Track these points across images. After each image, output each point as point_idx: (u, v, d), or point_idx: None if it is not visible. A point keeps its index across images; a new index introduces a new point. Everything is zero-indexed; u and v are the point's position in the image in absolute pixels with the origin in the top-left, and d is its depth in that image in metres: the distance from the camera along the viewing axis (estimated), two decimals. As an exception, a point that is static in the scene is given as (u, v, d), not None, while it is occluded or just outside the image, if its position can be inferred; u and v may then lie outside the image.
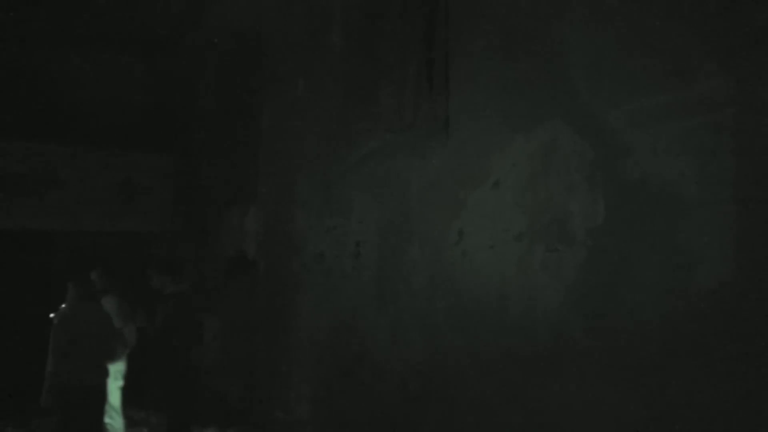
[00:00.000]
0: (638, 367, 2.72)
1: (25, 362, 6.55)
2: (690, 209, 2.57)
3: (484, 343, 3.54)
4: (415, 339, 4.12)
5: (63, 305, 5.63)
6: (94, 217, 8.43)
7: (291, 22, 6.10)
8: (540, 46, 3.31)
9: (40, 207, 8.09)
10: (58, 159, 8.23)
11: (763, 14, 2.38)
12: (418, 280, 4.12)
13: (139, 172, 8.73)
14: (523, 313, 3.31)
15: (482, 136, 3.67)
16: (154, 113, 9.44)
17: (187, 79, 8.85)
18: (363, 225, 4.75)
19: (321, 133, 5.42)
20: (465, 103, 3.82)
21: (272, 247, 6.28)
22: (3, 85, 8.50)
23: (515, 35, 3.48)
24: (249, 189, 6.85)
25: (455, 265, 3.81)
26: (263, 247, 6.47)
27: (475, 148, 3.72)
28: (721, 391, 2.42)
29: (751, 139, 2.39)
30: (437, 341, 3.92)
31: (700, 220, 2.53)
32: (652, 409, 2.66)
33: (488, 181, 3.59)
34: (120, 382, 6.47)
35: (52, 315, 5.62)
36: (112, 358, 5.84)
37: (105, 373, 5.67)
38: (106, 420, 6.27)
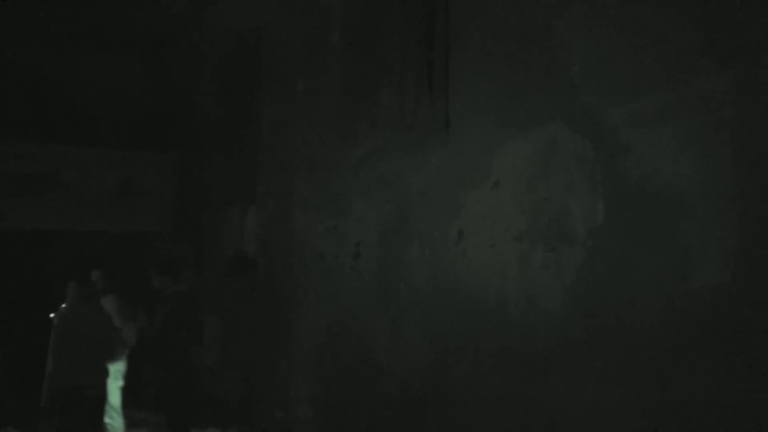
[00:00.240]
0: (638, 367, 2.72)
1: (25, 362, 6.55)
2: (690, 209, 2.57)
3: (484, 343, 3.54)
4: (415, 339, 4.11)
5: (63, 305, 5.63)
6: (94, 217, 8.43)
7: (291, 22, 6.10)
8: (540, 46, 3.31)
9: (40, 207, 8.09)
10: (58, 159, 8.23)
11: (763, 14, 2.38)
12: (418, 280, 4.12)
13: (139, 172, 8.74)
14: (523, 313, 3.31)
15: (482, 136, 3.67)
16: (154, 113, 9.44)
17: (187, 79, 8.85)
18: (363, 225, 4.75)
19: (321, 134, 5.42)
20: (465, 103, 3.82)
21: (272, 247, 6.28)
22: (3, 85, 8.50)
23: (515, 35, 3.48)
24: (249, 189, 6.85)
25: (455, 265, 3.80)
26: (263, 247, 6.47)
27: (475, 148, 3.72)
28: (721, 391, 2.42)
29: (751, 139, 2.39)
30: (437, 341, 3.92)
31: (700, 220, 2.53)
32: (652, 409, 2.66)
33: (488, 181, 3.59)
34: (120, 382, 6.47)
35: (52, 315, 5.62)
36: (112, 358, 5.84)
37: (105, 373, 5.68)
38: (106, 420, 6.27)
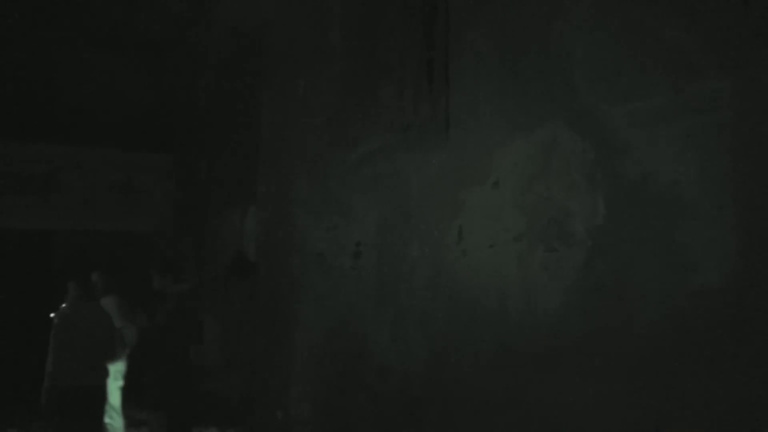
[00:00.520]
0: (638, 366, 2.72)
1: (25, 362, 6.56)
2: (690, 209, 2.57)
3: (484, 343, 3.54)
4: (415, 339, 4.11)
5: (63, 305, 5.63)
6: (94, 217, 8.44)
7: (291, 22, 6.10)
8: (540, 46, 3.31)
9: (40, 207, 8.10)
10: (58, 159, 8.24)
11: (763, 14, 2.38)
12: (418, 280, 4.12)
13: (139, 172, 8.75)
14: (523, 313, 3.31)
15: (482, 136, 3.67)
16: (155, 113, 9.44)
17: (187, 79, 8.86)
18: (363, 225, 4.75)
19: (321, 133, 5.41)
20: (465, 102, 3.82)
21: (272, 247, 6.28)
22: (3, 85, 8.50)
23: (515, 35, 3.48)
24: (249, 189, 6.86)
25: (455, 264, 3.80)
26: (263, 247, 6.47)
27: (475, 148, 3.72)
28: (721, 391, 2.42)
29: (751, 139, 2.39)
30: (437, 341, 3.92)
31: (700, 220, 2.53)
32: (651, 408, 2.66)
33: (488, 181, 3.59)
34: (120, 382, 6.48)
35: (52, 315, 5.62)
36: (112, 358, 5.85)
37: (105, 373, 5.68)
38: (106, 420, 6.28)
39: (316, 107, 5.51)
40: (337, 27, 5.29)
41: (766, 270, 2.31)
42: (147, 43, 9.04)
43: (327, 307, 5.18)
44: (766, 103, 2.34)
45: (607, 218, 2.91)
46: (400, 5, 4.63)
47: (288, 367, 5.71)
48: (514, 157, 3.43)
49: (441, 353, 3.88)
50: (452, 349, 3.79)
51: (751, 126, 2.39)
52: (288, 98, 6.04)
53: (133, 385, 6.66)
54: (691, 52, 2.60)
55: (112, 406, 6.40)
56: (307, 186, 5.61)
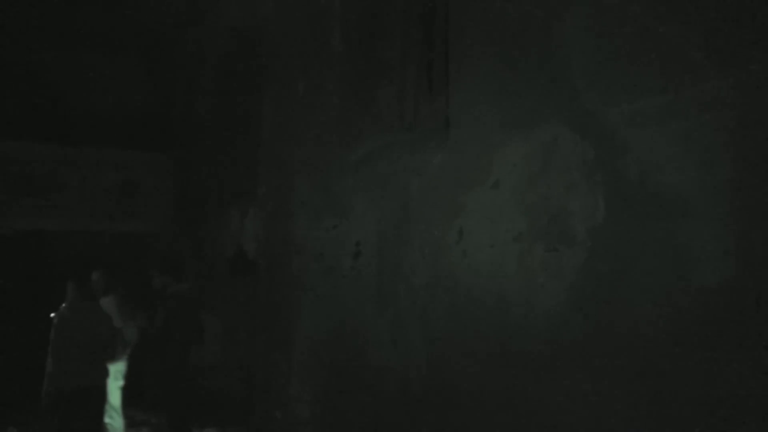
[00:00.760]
0: (638, 367, 2.72)
1: (25, 363, 6.56)
2: (690, 209, 2.57)
3: (485, 343, 3.54)
4: (415, 339, 4.12)
5: (63, 305, 5.63)
6: (94, 217, 8.44)
7: (291, 23, 6.10)
8: (540, 46, 3.31)
9: (40, 207, 8.10)
10: (58, 159, 8.24)
11: (763, 14, 2.38)
12: (418, 280, 4.12)
13: (139, 172, 8.75)
14: (523, 313, 3.31)
15: (482, 136, 3.67)
16: (154, 113, 9.45)
17: (187, 79, 8.86)
18: (363, 225, 4.75)
19: (321, 134, 5.42)
20: (465, 103, 3.82)
21: (272, 247, 6.28)
22: (3, 85, 8.51)
23: (515, 35, 3.48)
24: (249, 189, 6.86)
25: (455, 265, 3.81)
26: (263, 247, 6.47)
27: (475, 148, 3.72)
28: (721, 391, 2.42)
29: (751, 140, 2.39)
30: (437, 341, 3.92)
31: (700, 220, 2.53)
32: (652, 409, 2.66)
33: (488, 181, 3.59)
34: (120, 382, 6.48)
35: (52, 315, 5.62)
36: (112, 358, 5.84)
37: (105, 374, 5.67)
38: (107, 420, 6.28)
39: (316, 107, 5.51)
40: (338, 27, 5.29)
41: (766, 270, 2.31)
42: (147, 43, 9.04)
43: (327, 307, 5.18)
44: (766, 103, 2.35)
45: (607, 218, 2.91)
46: (400, 6, 4.63)
47: (288, 367, 5.71)
48: (514, 157, 3.43)
49: (441, 353, 3.88)
50: (452, 349, 3.79)
51: (751, 126, 2.39)
52: (288, 98, 6.04)
53: (134, 385, 6.67)
54: (691, 52, 2.60)
55: (113, 406, 6.40)
56: (307, 186, 5.61)
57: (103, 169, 8.49)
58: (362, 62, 4.98)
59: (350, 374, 4.81)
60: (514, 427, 3.32)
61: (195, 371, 5.92)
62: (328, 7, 5.44)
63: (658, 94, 2.72)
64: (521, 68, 3.42)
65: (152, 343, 6.10)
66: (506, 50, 3.53)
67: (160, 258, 7.85)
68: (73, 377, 5.39)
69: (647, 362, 2.69)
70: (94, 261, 7.00)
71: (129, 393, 6.62)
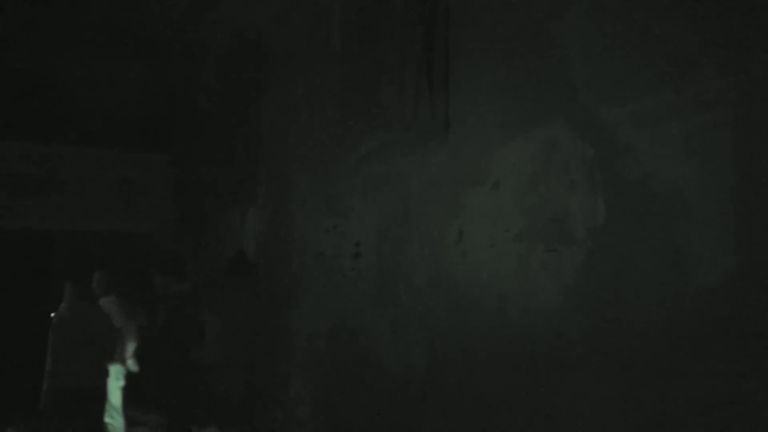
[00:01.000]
0: (638, 366, 2.72)
1: (25, 363, 6.56)
2: (690, 209, 2.57)
3: (485, 343, 3.54)
4: (415, 339, 4.12)
5: (61, 305, 5.62)
6: (94, 217, 8.44)
7: (291, 23, 6.10)
8: (539, 46, 3.31)
9: (40, 207, 8.10)
10: (58, 159, 8.23)
11: (763, 14, 2.38)
12: (418, 280, 4.12)
13: (139, 172, 8.74)
14: (523, 313, 3.31)
15: (482, 136, 3.67)
16: (154, 113, 9.45)
17: (187, 79, 8.86)
18: (363, 225, 4.76)
19: (321, 133, 5.42)
20: (465, 103, 3.82)
21: (272, 247, 6.28)
22: (3, 85, 8.51)
23: (515, 35, 3.48)
24: (249, 189, 6.86)
25: (455, 265, 3.81)
26: (263, 247, 6.47)
27: (475, 148, 3.72)
28: (721, 391, 2.42)
29: (751, 140, 2.39)
30: (437, 341, 3.92)
31: (700, 220, 2.53)
32: (652, 408, 2.66)
33: (488, 181, 3.59)
34: (121, 382, 6.48)
35: (52, 315, 5.62)
36: (112, 357, 5.84)
37: (105, 374, 5.67)
38: (107, 420, 6.28)
39: (316, 107, 5.51)
40: (338, 27, 5.29)
41: (766, 270, 2.31)
42: (147, 43, 9.04)
43: (327, 307, 5.18)
44: (766, 103, 2.35)
45: (607, 218, 2.91)
46: (400, 6, 4.63)
47: (288, 367, 5.71)
48: (514, 157, 3.43)
49: (441, 353, 3.88)
50: (452, 349, 3.79)
51: (751, 126, 2.39)
52: (288, 98, 6.04)
53: (134, 385, 6.67)
54: (691, 52, 2.60)
55: (113, 405, 6.40)
56: (307, 186, 5.61)
57: (103, 169, 8.49)
58: (362, 62, 4.98)
59: (350, 374, 4.81)
60: (514, 427, 3.32)
61: (195, 371, 5.92)
62: (328, 7, 5.44)
63: (658, 94, 2.72)
64: (521, 68, 3.42)
65: (153, 343, 6.09)
66: (506, 50, 3.53)
67: (161, 258, 7.85)
68: (73, 377, 5.39)
69: (647, 362, 2.69)
70: (94, 261, 7.01)
71: (129, 393, 6.62)
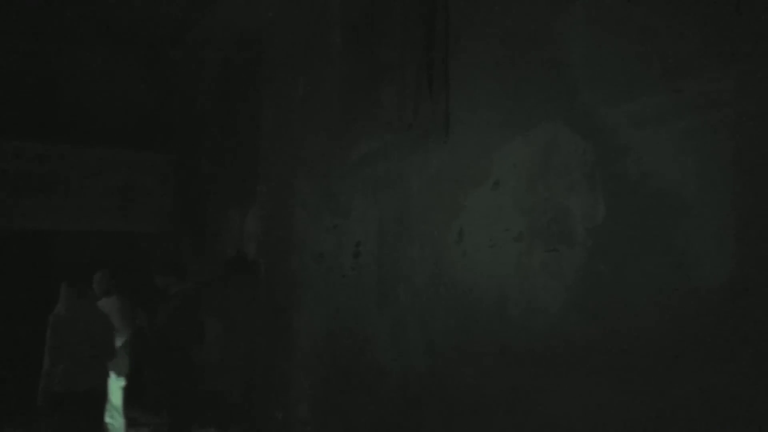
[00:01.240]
0: (638, 366, 2.72)
1: (24, 362, 6.55)
2: (690, 209, 2.57)
3: (484, 343, 3.54)
4: (415, 339, 4.12)
5: (58, 305, 5.62)
6: (94, 217, 8.43)
7: (291, 23, 6.10)
8: (540, 47, 3.31)
9: (40, 207, 8.10)
10: (58, 159, 8.23)
11: (763, 14, 2.38)
12: (418, 280, 4.12)
13: (139, 172, 8.74)
14: (523, 313, 3.31)
15: (482, 136, 3.67)
16: (154, 113, 9.45)
17: (187, 79, 8.86)
18: (363, 225, 4.76)
19: (321, 133, 5.42)
20: (465, 103, 3.82)
21: (272, 247, 6.28)
22: (3, 85, 8.51)
23: (515, 35, 3.48)
24: (249, 189, 6.86)
25: (455, 265, 3.81)
26: (263, 247, 6.47)
27: (475, 148, 3.72)
28: (721, 391, 2.42)
29: (751, 139, 2.39)
30: (437, 341, 3.92)
31: (700, 220, 2.53)
32: (651, 408, 2.66)
33: (488, 181, 3.59)
34: (121, 382, 6.48)
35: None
36: (111, 357, 5.84)
37: (105, 374, 5.67)
38: (108, 420, 6.27)
39: (316, 107, 5.51)
40: (338, 27, 5.29)
41: (766, 270, 2.31)
42: (147, 43, 9.04)
43: (327, 307, 5.18)
44: (766, 103, 2.35)
45: (607, 218, 2.91)
46: (400, 6, 4.63)
47: (288, 367, 5.71)
48: (514, 158, 3.43)
49: (441, 353, 3.88)
50: (452, 349, 3.79)
51: (751, 126, 2.39)
52: (288, 98, 6.04)
53: (135, 385, 6.66)
54: (691, 52, 2.60)
55: (114, 405, 6.40)
56: (307, 186, 5.61)
57: (103, 169, 8.48)
58: (362, 62, 4.98)
59: (350, 374, 4.81)
60: (514, 427, 3.32)
61: (196, 371, 5.91)
62: (328, 7, 5.44)
63: (658, 94, 2.72)
64: (521, 68, 3.42)
65: (154, 343, 6.09)
66: (506, 50, 3.53)
67: (162, 258, 7.85)
68: (72, 378, 5.39)
69: (647, 362, 2.69)
70: (94, 261, 7.00)
71: (130, 393, 6.62)
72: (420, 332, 4.07)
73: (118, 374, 6.33)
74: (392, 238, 4.42)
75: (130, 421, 6.79)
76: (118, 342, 6.23)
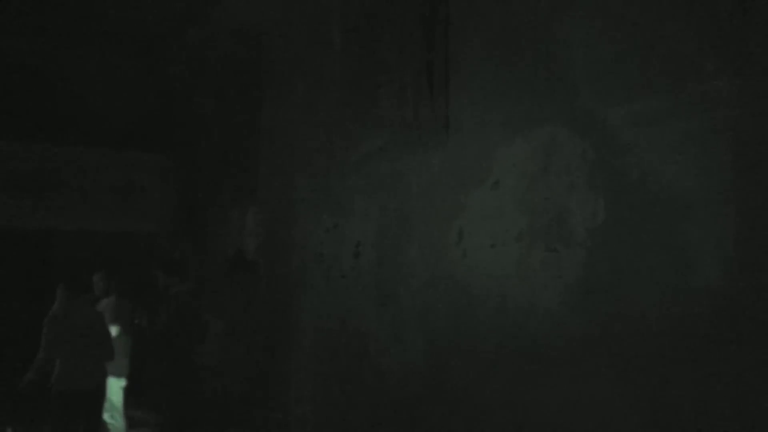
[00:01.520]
0: (638, 367, 2.72)
1: (24, 363, 6.55)
2: (690, 209, 2.57)
3: (484, 343, 3.54)
4: (415, 339, 4.12)
5: (54, 305, 5.62)
6: (94, 217, 8.44)
7: (291, 23, 6.10)
8: (540, 47, 3.31)
9: (40, 207, 8.10)
10: (58, 159, 8.24)
11: (763, 15, 2.38)
12: (418, 280, 4.12)
13: (139, 172, 8.74)
14: (523, 313, 3.31)
15: (482, 136, 3.67)
16: (154, 113, 9.44)
17: (187, 79, 8.86)
18: (363, 225, 4.76)
19: (321, 134, 5.42)
20: (465, 103, 3.82)
21: (272, 247, 6.28)
22: (3, 85, 8.51)
23: (515, 35, 3.48)
24: (249, 189, 6.86)
25: (455, 265, 3.81)
26: (263, 247, 6.47)
27: (475, 148, 3.72)
28: (721, 391, 2.42)
29: (751, 139, 2.39)
30: (437, 341, 3.92)
31: (700, 220, 2.53)
32: (652, 408, 2.66)
33: (488, 181, 3.59)
34: (122, 382, 6.49)
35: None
36: (110, 358, 5.84)
37: (103, 374, 5.67)
38: (108, 419, 6.28)
39: (316, 107, 5.51)
40: (338, 27, 5.29)
41: (766, 270, 2.31)
42: (147, 44, 9.04)
43: (327, 306, 5.18)
44: (766, 103, 2.35)
45: (607, 218, 2.91)
46: (400, 6, 4.63)
47: (288, 367, 5.71)
48: (514, 158, 3.43)
49: (441, 353, 3.88)
50: (452, 349, 3.79)
51: (751, 126, 2.39)
52: (288, 98, 6.04)
53: (135, 385, 6.67)
54: (691, 52, 2.60)
55: (114, 405, 6.40)
56: (307, 186, 5.61)
57: (103, 169, 8.49)
58: (362, 62, 4.98)
59: (350, 374, 4.81)
60: (513, 427, 3.32)
61: (196, 371, 5.92)
62: (328, 7, 5.44)
63: (658, 95, 2.72)
64: (521, 68, 3.42)
65: (154, 343, 6.10)
66: (506, 50, 3.53)
67: (164, 257, 7.85)
68: (70, 378, 5.40)
69: (647, 362, 2.69)
70: (94, 261, 7.01)
71: (130, 393, 6.63)
72: (420, 332, 4.08)
73: (118, 376, 6.34)
74: (392, 238, 4.42)
75: (130, 421, 6.79)
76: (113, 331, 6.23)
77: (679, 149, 2.63)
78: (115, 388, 6.38)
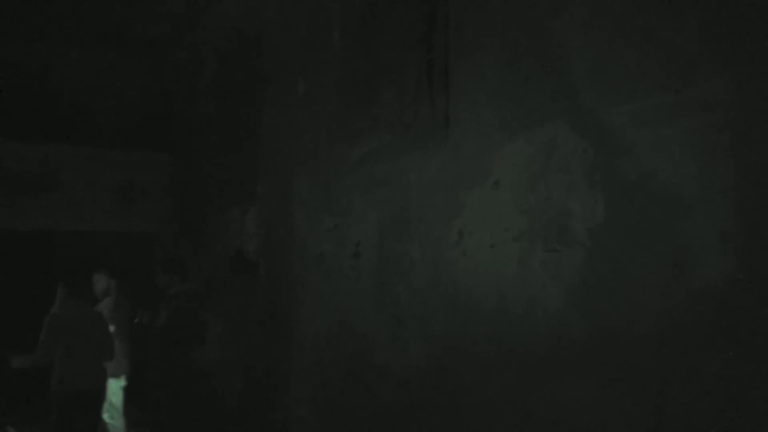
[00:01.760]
0: (638, 367, 2.72)
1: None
2: (690, 209, 2.57)
3: (485, 343, 3.54)
4: (415, 339, 4.12)
5: (54, 306, 5.63)
6: (94, 217, 8.44)
7: (291, 22, 6.10)
8: (540, 46, 3.31)
9: (40, 207, 8.10)
10: (58, 159, 8.24)
11: (763, 15, 2.38)
12: (418, 280, 4.12)
13: (139, 172, 8.75)
14: (523, 313, 3.31)
15: (482, 136, 3.67)
16: (154, 113, 9.45)
17: (187, 78, 8.86)
18: (363, 225, 4.76)
19: (321, 133, 5.42)
20: (465, 103, 3.82)
21: (272, 247, 6.28)
22: (3, 85, 8.51)
23: (515, 35, 3.48)
24: (249, 189, 6.86)
25: (455, 265, 3.81)
26: (263, 247, 6.47)
27: (475, 148, 3.72)
28: (721, 391, 2.42)
29: (751, 139, 2.39)
30: (437, 341, 3.92)
31: (700, 220, 2.53)
32: (652, 409, 2.66)
33: (488, 181, 3.59)
34: (122, 382, 6.49)
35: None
36: (110, 358, 5.85)
37: (103, 374, 5.68)
38: (108, 419, 6.29)
39: (316, 107, 5.51)
40: (337, 27, 5.29)
41: (766, 270, 2.31)
42: (147, 43, 9.04)
43: (327, 307, 5.18)
44: (766, 103, 2.34)
45: (607, 218, 2.91)
46: (400, 5, 4.63)
47: (288, 367, 5.71)
48: (514, 157, 3.43)
49: (441, 354, 3.88)
50: (452, 349, 3.79)
51: (751, 126, 2.39)
52: (288, 98, 6.04)
53: (135, 385, 6.67)
54: (691, 52, 2.60)
55: (114, 405, 6.41)
56: (307, 186, 5.61)
57: (103, 169, 8.49)
58: (362, 62, 4.98)
59: (350, 374, 4.81)
60: (514, 427, 3.32)
61: (196, 371, 5.92)
62: (328, 6, 5.43)
63: (658, 94, 2.72)
64: (521, 68, 3.42)
65: (154, 343, 6.09)
66: (506, 50, 3.53)
67: (167, 257, 7.86)
68: (70, 378, 5.40)
69: (647, 362, 2.69)
70: (94, 261, 7.01)
71: (130, 393, 6.63)
72: (420, 332, 4.07)
73: (118, 376, 6.34)
74: (392, 238, 4.42)
75: (130, 421, 6.79)
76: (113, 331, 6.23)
77: (679, 149, 2.63)
78: (115, 388, 6.38)
